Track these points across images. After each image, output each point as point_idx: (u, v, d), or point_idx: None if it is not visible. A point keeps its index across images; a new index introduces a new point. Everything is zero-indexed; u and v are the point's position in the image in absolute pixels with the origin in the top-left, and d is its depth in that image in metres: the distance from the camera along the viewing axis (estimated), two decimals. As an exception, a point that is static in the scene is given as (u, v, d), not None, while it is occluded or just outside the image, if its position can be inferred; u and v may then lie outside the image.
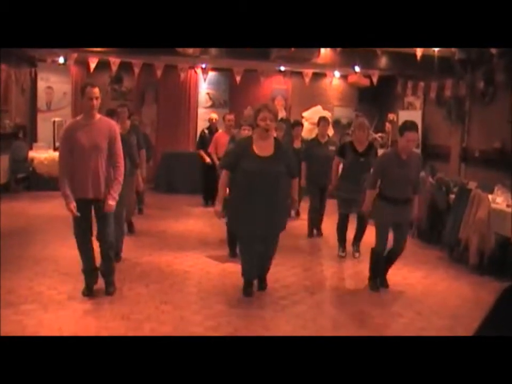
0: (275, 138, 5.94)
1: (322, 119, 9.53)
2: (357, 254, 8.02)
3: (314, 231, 9.33)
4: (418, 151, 12.81)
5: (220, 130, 11.29)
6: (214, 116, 12.41)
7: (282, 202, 5.90)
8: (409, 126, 6.02)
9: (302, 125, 11.08)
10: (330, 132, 14.52)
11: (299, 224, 9.87)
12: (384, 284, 6.59)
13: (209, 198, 11.13)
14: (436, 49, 9.75)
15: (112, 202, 5.55)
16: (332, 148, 8.96)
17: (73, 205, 5.43)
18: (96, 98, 5.48)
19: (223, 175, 5.90)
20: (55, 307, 5.44)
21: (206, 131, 12.00)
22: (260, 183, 5.64)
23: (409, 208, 6.35)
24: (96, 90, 5.48)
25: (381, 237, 6.39)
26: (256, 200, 5.67)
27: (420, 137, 12.84)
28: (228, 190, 6.07)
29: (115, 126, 5.69)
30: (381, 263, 6.53)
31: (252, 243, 5.94)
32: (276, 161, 5.72)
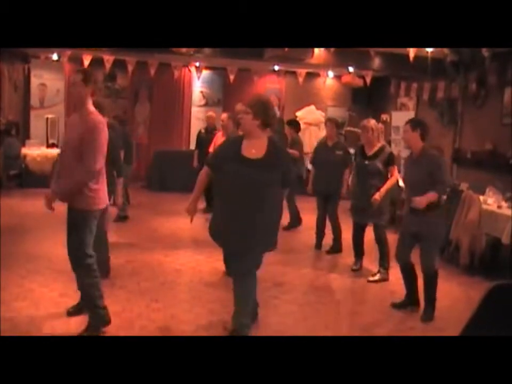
0: (270, 137, 4.77)
1: (329, 120, 8.84)
2: (376, 276, 7.04)
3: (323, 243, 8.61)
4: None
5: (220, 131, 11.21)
6: (211, 114, 11.90)
7: (270, 216, 4.69)
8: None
9: (298, 124, 10.84)
10: (323, 132, 14.58)
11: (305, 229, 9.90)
12: (412, 302, 5.97)
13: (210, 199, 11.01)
14: (429, 50, 9.79)
15: (49, 195, 4.69)
16: (339, 152, 8.24)
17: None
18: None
19: (202, 172, 4.96)
20: (47, 304, 5.44)
21: (203, 131, 11.79)
22: (243, 189, 4.56)
23: (434, 218, 5.61)
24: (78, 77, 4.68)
25: (397, 247, 5.91)
26: (236, 209, 4.60)
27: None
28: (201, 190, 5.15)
29: (92, 122, 4.59)
30: (405, 278, 5.98)
31: (230, 261, 5.23)
32: (266, 165, 4.60)
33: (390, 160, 6.99)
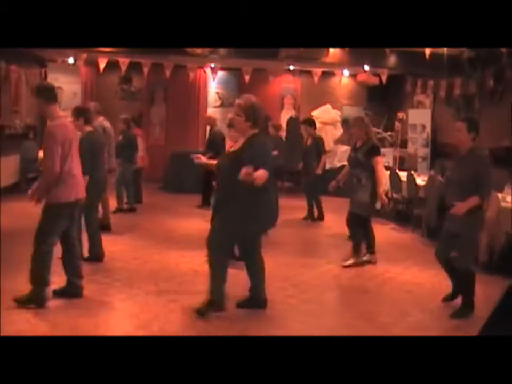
0: (252, 136, 5.23)
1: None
2: (364, 258, 7.55)
3: None
4: (428, 150, 12.81)
5: None
6: (210, 115, 12.37)
7: (242, 202, 5.12)
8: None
9: (314, 123, 10.97)
10: (339, 131, 14.55)
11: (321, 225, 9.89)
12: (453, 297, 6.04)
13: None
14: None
15: (29, 193, 5.52)
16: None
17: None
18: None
19: None
20: (64, 306, 5.47)
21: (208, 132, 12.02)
22: (219, 179, 5.52)
23: (470, 218, 5.50)
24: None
25: (438, 245, 5.96)
26: (216, 198, 5.51)
27: (429, 136, 12.85)
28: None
29: (47, 129, 5.39)
30: (449, 274, 5.98)
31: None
32: (237, 156, 5.12)
33: (373, 151, 7.28)
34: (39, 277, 5.36)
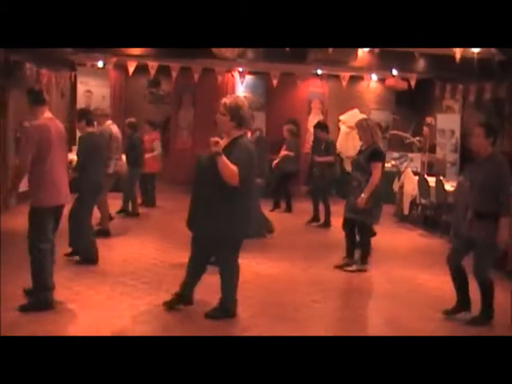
0: (236, 137, 5.17)
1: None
2: (348, 268, 7.32)
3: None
4: (457, 155, 12.68)
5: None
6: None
7: (222, 203, 5.07)
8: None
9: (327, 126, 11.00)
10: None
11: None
12: (464, 307, 5.75)
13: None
14: (476, 51, 9.60)
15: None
16: None
17: None
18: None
19: None
20: (94, 307, 5.52)
21: None
22: (197, 179, 5.37)
23: (489, 225, 5.36)
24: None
25: (450, 250, 5.79)
26: (193, 198, 5.31)
27: (458, 141, 12.71)
28: None
29: (29, 127, 5.47)
30: (455, 282, 5.76)
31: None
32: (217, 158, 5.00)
33: (373, 156, 7.12)
34: (40, 281, 5.34)
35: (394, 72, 12.61)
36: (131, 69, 12.99)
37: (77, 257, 7.05)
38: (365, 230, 7.39)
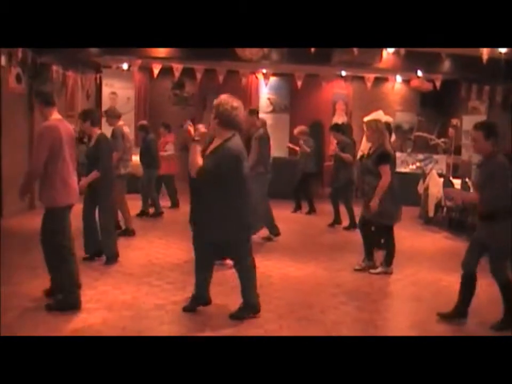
0: (227, 139, 5.12)
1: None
2: (373, 270, 7.28)
3: None
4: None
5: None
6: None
7: (218, 205, 5.15)
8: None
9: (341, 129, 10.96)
10: (392, 137, 14.39)
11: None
12: (461, 313, 5.62)
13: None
14: (503, 51, 9.49)
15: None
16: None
17: None
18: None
19: None
20: (119, 306, 5.56)
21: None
22: (192, 180, 5.41)
23: (497, 226, 5.26)
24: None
25: (465, 253, 5.60)
26: (191, 198, 5.64)
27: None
28: None
29: (40, 128, 5.44)
30: (463, 287, 5.63)
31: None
32: (206, 158, 5.10)
33: (380, 159, 7.04)
34: (70, 279, 5.42)
35: (419, 73, 12.53)
36: (156, 71, 13.09)
37: (96, 258, 7.18)
38: (385, 232, 7.36)
